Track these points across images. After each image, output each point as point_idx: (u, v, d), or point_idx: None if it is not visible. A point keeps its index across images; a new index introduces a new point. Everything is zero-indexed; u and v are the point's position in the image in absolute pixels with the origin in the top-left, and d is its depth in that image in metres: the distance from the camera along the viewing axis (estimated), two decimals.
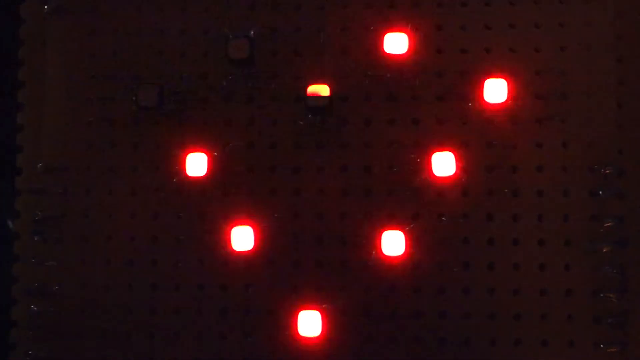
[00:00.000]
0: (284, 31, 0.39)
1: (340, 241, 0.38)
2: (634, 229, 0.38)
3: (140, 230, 0.39)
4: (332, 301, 0.38)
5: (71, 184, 0.40)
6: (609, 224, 0.38)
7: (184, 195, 0.39)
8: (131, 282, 0.39)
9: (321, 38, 0.39)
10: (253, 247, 0.38)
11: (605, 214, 0.38)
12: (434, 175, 0.38)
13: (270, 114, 0.39)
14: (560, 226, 0.38)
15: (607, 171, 0.38)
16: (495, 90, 0.38)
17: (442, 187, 0.38)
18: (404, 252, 0.37)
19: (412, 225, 0.38)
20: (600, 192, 0.38)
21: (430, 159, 0.38)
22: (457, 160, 0.38)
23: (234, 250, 0.38)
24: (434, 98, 0.39)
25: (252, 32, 0.39)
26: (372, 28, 0.39)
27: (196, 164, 0.38)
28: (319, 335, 0.37)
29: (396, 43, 0.38)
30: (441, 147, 0.38)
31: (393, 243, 0.37)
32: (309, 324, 0.37)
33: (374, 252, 0.38)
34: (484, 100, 0.38)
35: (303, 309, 0.37)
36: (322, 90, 0.37)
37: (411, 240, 0.38)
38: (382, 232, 0.37)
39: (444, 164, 0.37)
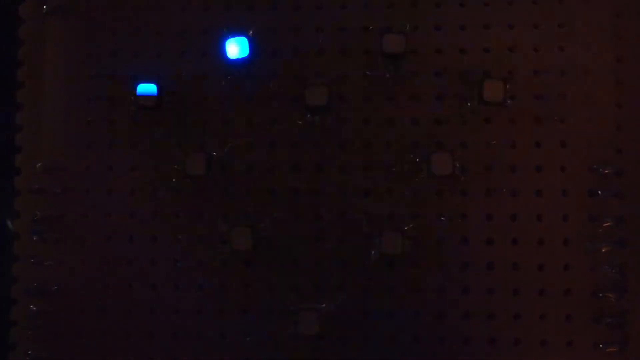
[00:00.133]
0: (283, 31, 0.39)
1: (339, 241, 0.38)
2: (633, 229, 0.38)
3: (139, 230, 0.39)
4: (332, 301, 0.38)
5: (70, 184, 0.40)
6: (608, 224, 0.38)
7: (183, 195, 0.39)
8: (131, 282, 0.39)
9: (320, 38, 0.39)
10: (252, 247, 0.38)
11: (605, 213, 0.38)
12: (433, 175, 0.38)
13: (269, 113, 0.39)
14: (560, 226, 0.38)
15: (607, 171, 0.38)
16: (494, 90, 0.38)
17: (441, 187, 0.38)
18: (403, 252, 0.37)
19: (411, 225, 0.38)
20: (600, 192, 0.38)
21: (429, 158, 0.38)
22: (456, 160, 0.38)
23: (233, 249, 0.38)
24: (432, 98, 0.39)
25: (251, 32, 0.39)
26: (371, 28, 0.39)
27: (195, 164, 0.38)
28: (319, 335, 0.37)
29: (394, 43, 0.38)
30: (440, 147, 0.38)
31: (392, 243, 0.37)
32: (309, 323, 0.37)
33: (372, 253, 0.38)
34: (483, 100, 0.38)
35: (303, 309, 0.37)
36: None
37: (410, 240, 0.38)
38: (381, 232, 0.37)
39: (442, 163, 0.37)
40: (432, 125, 0.38)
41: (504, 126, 0.38)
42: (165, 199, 0.39)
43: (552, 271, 0.38)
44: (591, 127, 0.38)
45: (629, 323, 0.37)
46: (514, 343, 0.38)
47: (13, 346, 0.39)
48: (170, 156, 0.39)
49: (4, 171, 0.41)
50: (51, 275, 0.39)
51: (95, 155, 0.40)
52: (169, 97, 0.39)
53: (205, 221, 0.39)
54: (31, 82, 0.40)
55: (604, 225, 0.38)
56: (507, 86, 0.38)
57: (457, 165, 0.38)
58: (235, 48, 0.38)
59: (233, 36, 0.39)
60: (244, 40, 0.38)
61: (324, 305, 0.38)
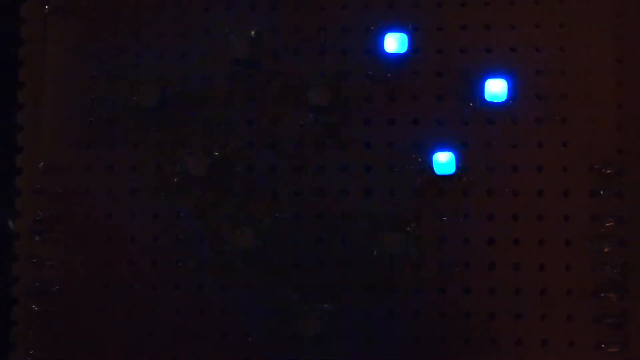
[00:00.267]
0: (284, 31, 0.39)
1: (341, 241, 0.38)
2: (634, 229, 0.38)
3: (140, 230, 0.39)
4: (333, 301, 0.38)
5: (71, 184, 0.40)
6: (609, 224, 0.38)
7: (184, 195, 0.39)
8: (131, 282, 0.39)
9: (321, 38, 0.39)
10: (253, 247, 0.38)
11: (606, 213, 0.38)
12: (434, 175, 0.38)
13: (270, 114, 0.39)
14: (561, 226, 0.38)
15: (608, 171, 0.38)
16: (496, 90, 0.38)
17: (442, 187, 0.38)
18: (404, 252, 0.37)
19: (412, 225, 0.38)
20: (601, 192, 0.38)
21: (430, 158, 0.38)
22: (457, 160, 0.38)
23: (234, 250, 0.38)
24: (434, 98, 0.39)
25: (253, 32, 0.39)
26: (372, 28, 0.39)
27: (196, 164, 0.38)
28: (320, 335, 0.37)
29: (396, 43, 0.38)
30: (441, 147, 0.38)
31: (393, 242, 0.37)
32: (310, 323, 0.37)
33: (374, 252, 0.38)
34: (484, 100, 0.38)
35: (304, 309, 0.37)
36: None
37: (411, 241, 0.38)
38: (382, 232, 0.37)
39: (444, 163, 0.38)
40: (433, 125, 0.38)
41: (505, 126, 0.38)
42: (166, 199, 0.39)
43: (553, 271, 0.38)
44: (592, 127, 0.38)
45: (630, 323, 0.37)
46: (515, 343, 0.38)
47: (13, 346, 0.39)
48: (171, 156, 0.39)
49: (5, 171, 0.41)
50: (52, 275, 0.39)
51: (96, 155, 0.40)
52: (170, 97, 0.39)
53: (206, 221, 0.39)
54: (32, 82, 0.40)
55: (605, 225, 0.38)
56: (509, 86, 0.38)
57: (459, 165, 0.38)
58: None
59: (234, 36, 0.39)
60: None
61: (325, 305, 0.38)
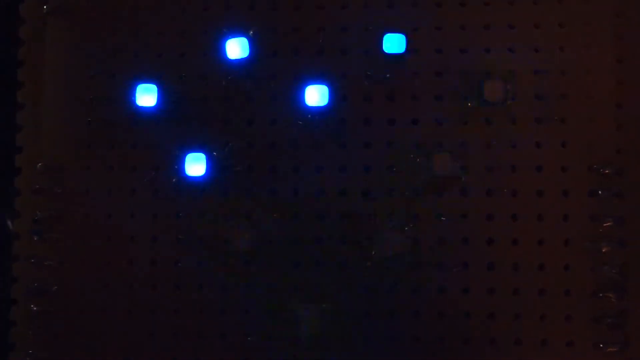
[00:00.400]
0: (283, 31, 0.39)
1: (340, 241, 0.38)
2: (633, 228, 0.38)
3: (139, 230, 0.39)
4: (332, 301, 0.38)
5: (71, 184, 0.40)
6: (608, 224, 0.38)
7: (184, 195, 0.39)
8: (130, 283, 0.39)
9: (320, 38, 0.39)
10: (252, 248, 0.38)
11: (605, 213, 0.38)
12: (433, 175, 0.38)
13: (269, 113, 0.39)
14: (560, 226, 0.38)
15: (607, 171, 0.38)
16: (495, 90, 0.38)
17: (441, 187, 0.38)
18: (404, 252, 0.37)
19: (411, 225, 0.38)
20: (600, 192, 0.38)
21: (429, 159, 0.38)
22: (456, 160, 0.38)
23: (233, 250, 0.38)
24: (433, 98, 0.39)
25: (252, 32, 0.39)
26: (371, 28, 0.39)
27: (195, 164, 0.38)
28: (319, 335, 0.37)
29: (395, 43, 0.38)
30: (440, 147, 0.38)
31: (392, 242, 0.37)
32: (309, 323, 0.37)
33: (373, 253, 0.38)
34: (483, 100, 0.38)
35: (303, 309, 0.37)
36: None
37: (411, 241, 0.38)
38: (381, 232, 0.37)
39: (443, 164, 0.37)
40: (433, 125, 0.38)
41: (504, 126, 0.38)
42: (166, 199, 0.39)
43: (552, 271, 0.38)
44: (591, 127, 0.38)
45: (629, 323, 0.37)
46: (515, 343, 0.38)
47: (13, 346, 0.39)
48: (170, 156, 0.39)
49: (5, 171, 0.41)
50: (51, 276, 0.39)
51: (96, 155, 0.40)
52: (169, 97, 0.39)
53: (206, 221, 0.39)
54: (32, 82, 0.40)
55: (605, 225, 0.38)
56: (508, 86, 0.38)
57: (458, 165, 0.38)
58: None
59: (233, 36, 0.39)
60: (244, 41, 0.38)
61: (324, 306, 0.38)
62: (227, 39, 0.39)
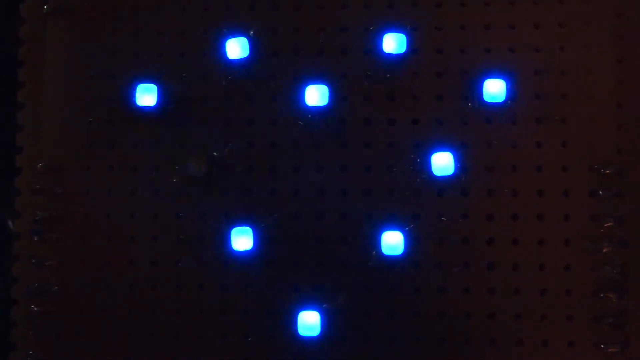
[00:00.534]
0: (283, 31, 0.39)
1: (340, 241, 0.38)
2: (634, 229, 0.38)
3: (139, 231, 0.39)
4: (332, 301, 0.38)
5: (71, 184, 0.40)
6: (609, 224, 0.38)
7: (184, 195, 0.39)
8: (131, 283, 0.39)
9: (320, 38, 0.39)
10: (253, 248, 0.38)
11: (606, 213, 0.38)
12: (433, 175, 0.38)
13: (269, 113, 0.39)
14: (560, 226, 0.38)
15: (607, 171, 0.38)
16: (495, 90, 0.38)
17: (441, 187, 0.38)
18: (404, 252, 0.37)
19: (411, 226, 0.38)
20: (601, 192, 0.38)
21: (429, 159, 0.38)
22: (456, 161, 0.38)
23: (233, 250, 0.38)
24: (433, 98, 0.38)
25: (252, 32, 0.39)
26: (371, 28, 0.39)
27: (196, 164, 0.38)
28: (319, 335, 0.37)
29: (395, 43, 0.38)
30: (441, 147, 0.38)
31: (393, 243, 0.37)
32: (309, 324, 0.37)
33: (373, 252, 0.38)
34: (483, 100, 0.38)
35: (303, 309, 0.37)
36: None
37: (411, 241, 0.38)
38: (381, 233, 0.37)
39: (443, 164, 0.37)
40: (433, 126, 0.38)
41: (504, 126, 0.38)
42: (166, 199, 0.39)
43: (553, 271, 0.38)
44: (592, 127, 0.38)
45: (629, 323, 0.37)
46: (515, 343, 0.38)
47: (13, 346, 0.39)
48: (170, 156, 0.39)
49: (5, 171, 0.41)
50: (51, 276, 0.39)
51: (96, 155, 0.40)
52: (169, 97, 0.39)
53: (206, 221, 0.39)
54: (32, 82, 0.40)
55: (605, 225, 0.38)
56: (508, 86, 0.38)
57: (458, 165, 0.38)
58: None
59: (234, 36, 0.39)
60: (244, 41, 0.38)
61: (324, 306, 0.38)
62: (227, 39, 0.39)
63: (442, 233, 0.38)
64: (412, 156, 0.38)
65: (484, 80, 0.38)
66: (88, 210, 0.39)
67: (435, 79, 0.39)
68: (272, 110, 0.39)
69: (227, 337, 0.39)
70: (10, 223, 0.42)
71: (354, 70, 0.39)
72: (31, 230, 0.39)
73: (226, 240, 0.38)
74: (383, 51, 0.38)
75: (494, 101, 0.38)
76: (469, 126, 0.38)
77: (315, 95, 0.38)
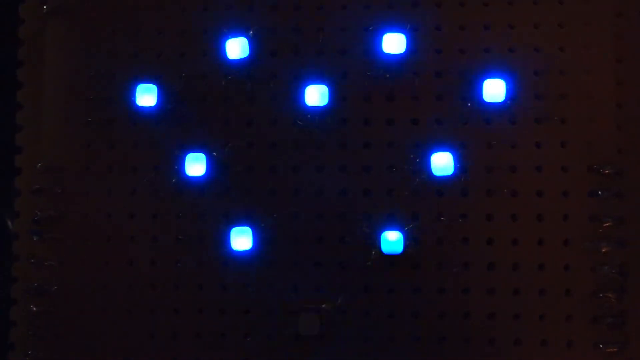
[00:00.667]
0: (283, 31, 0.39)
1: (340, 241, 0.38)
2: (633, 229, 0.38)
3: (139, 231, 0.39)
4: (331, 301, 0.38)
5: (70, 184, 0.40)
6: (608, 224, 0.38)
7: (183, 196, 0.39)
8: (130, 283, 0.39)
9: (320, 38, 0.39)
10: (252, 248, 0.38)
11: (605, 214, 0.38)
12: (433, 175, 0.38)
13: (269, 113, 0.39)
14: (560, 226, 0.38)
15: (607, 171, 0.38)
16: (495, 91, 0.38)
17: (441, 187, 0.38)
18: (403, 252, 0.37)
19: (411, 226, 0.38)
20: (600, 192, 0.38)
21: (429, 159, 0.38)
22: (456, 161, 0.38)
23: (233, 250, 0.38)
24: (433, 98, 0.39)
25: (251, 32, 0.39)
26: (371, 28, 0.39)
27: (195, 164, 0.38)
28: (319, 335, 0.37)
29: (395, 43, 0.38)
30: (440, 147, 0.38)
31: (392, 243, 0.37)
32: (309, 324, 0.37)
33: (373, 252, 0.38)
34: (483, 100, 0.38)
35: (302, 309, 0.37)
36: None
37: (410, 241, 0.38)
38: (381, 232, 0.37)
39: (443, 164, 0.38)
40: (433, 126, 0.38)
41: (504, 126, 0.38)
42: (165, 199, 0.39)
43: (552, 271, 0.38)
44: (591, 127, 0.38)
45: (628, 323, 0.37)
46: (514, 343, 0.38)
47: (12, 346, 0.39)
48: (170, 156, 0.39)
49: (4, 171, 0.41)
50: (51, 276, 0.39)
51: (95, 156, 0.40)
52: (169, 97, 0.39)
53: (205, 221, 0.39)
54: (31, 82, 0.40)
55: (604, 225, 0.38)
56: (508, 86, 0.38)
57: (458, 165, 0.38)
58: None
59: (233, 36, 0.39)
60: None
61: (324, 306, 0.38)
62: (227, 39, 0.39)
63: (441, 233, 0.38)
64: (412, 156, 0.38)
65: (484, 81, 0.38)
66: (87, 210, 0.39)
67: (435, 79, 0.39)
68: (271, 110, 0.39)
69: (226, 337, 0.39)
70: (9, 223, 0.42)
71: (354, 70, 0.39)
72: (31, 230, 0.39)
73: (226, 240, 0.38)
74: (383, 51, 0.38)
75: (493, 101, 0.38)
76: (468, 126, 0.38)
77: (315, 95, 0.38)
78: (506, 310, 0.38)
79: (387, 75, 0.39)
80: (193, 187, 0.39)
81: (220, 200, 0.39)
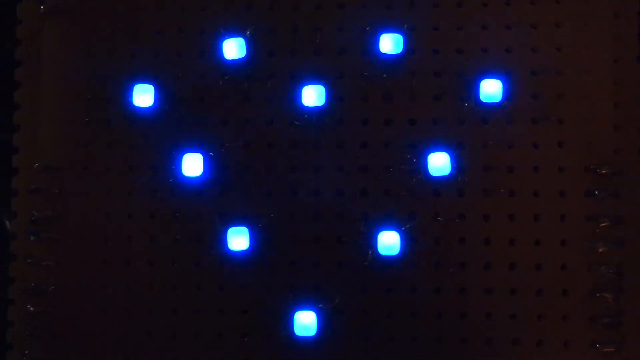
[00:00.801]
0: (281, 31, 0.39)
1: (337, 241, 0.38)
2: (630, 229, 0.38)
3: (136, 231, 0.39)
4: (329, 301, 0.38)
5: (68, 184, 0.40)
6: (605, 224, 0.38)
7: (181, 196, 0.39)
8: (128, 283, 0.39)
9: (317, 38, 0.39)
10: (249, 248, 0.38)
11: (602, 214, 0.38)
12: (430, 175, 0.38)
13: (266, 114, 0.39)
14: (557, 226, 0.38)
15: (604, 171, 0.38)
16: (492, 91, 0.38)
17: (438, 187, 0.38)
18: (400, 253, 0.37)
19: (408, 226, 0.38)
20: (597, 192, 0.38)
21: (426, 159, 0.38)
22: (453, 161, 0.38)
23: (230, 250, 0.38)
24: (430, 98, 0.39)
25: (249, 32, 0.39)
26: (368, 28, 0.39)
27: (192, 164, 0.38)
28: (316, 335, 0.37)
29: (392, 43, 0.38)
30: (437, 147, 0.38)
31: (389, 243, 0.37)
32: (306, 324, 0.37)
33: (370, 252, 0.38)
34: (480, 100, 0.38)
35: (300, 309, 0.37)
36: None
37: (407, 241, 0.38)
38: (378, 233, 0.37)
39: (440, 164, 0.38)
40: (430, 126, 0.38)
41: (501, 126, 0.38)
42: (163, 199, 0.39)
43: (549, 271, 0.38)
44: (588, 127, 0.38)
45: (625, 323, 0.38)
46: (511, 343, 0.38)
47: (10, 346, 0.39)
48: (167, 156, 0.39)
49: (2, 171, 0.41)
50: (48, 276, 0.39)
51: (93, 155, 0.40)
52: (166, 97, 0.39)
53: (203, 221, 0.39)
54: (29, 82, 0.40)
55: (601, 225, 0.38)
56: (505, 86, 0.38)
57: (455, 165, 0.38)
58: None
59: (231, 36, 0.39)
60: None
61: (321, 306, 0.38)
62: (224, 39, 0.39)
63: (438, 233, 0.38)
64: (409, 156, 0.38)
65: (481, 81, 0.38)
66: (85, 210, 0.39)
67: (432, 79, 0.39)
68: (268, 110, 0.39)
69: (224, 337, 0.39)
70: (7, 223, 0.42)
71: (351, 71, 0.39)
72: (28, 230, 0.39)
73: (223, 240, 0.38)
74: (380, 51, 0.38)
75: (490, 101, 0.38)
76: (465, 126, 0.38)
77: (312, 95, 0.38)
78: (503, 310, 0.38)
79: (384, 76, 0.39)
80: (190, 187, 0.39)
81: (218, 200, 0.39)
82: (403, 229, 0.38)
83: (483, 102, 0.38)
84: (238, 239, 0.38)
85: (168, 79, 0.39)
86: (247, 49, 0.39)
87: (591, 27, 0.39)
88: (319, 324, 0.37)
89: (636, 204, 0.38)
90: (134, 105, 0.39)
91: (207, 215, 0.39)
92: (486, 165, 0.38)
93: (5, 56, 0.41)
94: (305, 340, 0.37)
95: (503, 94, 0.38)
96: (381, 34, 0.38)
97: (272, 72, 0.39)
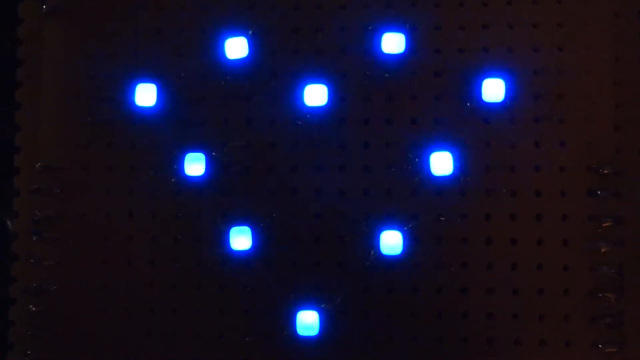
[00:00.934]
0: (282, 31, 0.39)
1: (339, 241, 0.38)
2: (632, 229, 0.38)
3: (138, 230, 0.39)
4: (331, 301, 0.38)
5: (69, 184, 0.40)
6: (607, 224, 0.38)
7: (182, 195, 0.39)
8: (129, 282, 0.39)
9: (319, 38, 0.39)
10: (251, 247, 0.38)
11: (604, 214, 0.38)
12: (432, 175, 0.38)
13: (268, 113, 0.39)
14: (558, 226, 0.38)
15: (606, 171, 0.38)
16: (493, 90, 0.38)
17: (440, 187, 0.38)
18: (402, 252, 0.37)
19: (410, 225, 0.38)
20: (599, 192, 0.38)
21: (428, 158, 0.38)
22: (455, 160, 0.38)
23: (232, 250, 0.38)
24: (432, 98, 0.39)
25: (251, 32, 0.39)
26: (370, 28, 0.39)
27: (194, 164, 0.38)
28: (317, 335, 0.37)
29: (394, 43, 0.38)
30: (439, 147, 0.38)
31: (391, 243, 0.37)
32: (307, 324, 0.37)
33: (372, 252, 0.38)
34: (482, 100, 0.38)
35: (301, 309, 0.37)
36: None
37: (409, 240, 0.38)
38: (380, 232, 0.37)
39: (442, 163, 0.38)
40: (432, 125, 0.38)
41: (503, 126, 0.38)
42: (165, 199, 0.39)
43: (551, 271, 0.38)
44: (590, 127, 0.38)
45: (627, 323, 0.37)
46: (513, 343, 0.38)
47: (11, 346, 0.39)
48: (169, 156, 0.39)
49: (4, 171, 0.41)
50: (50, 275, 0.39)
51: (95, 155, 0.40)
52: (168, 96, 0.39)
53: (204, 221, 0.39)
54: (30, 81, 0.40)
55: (603, 225, 0.38)
56: (506, 86, 0.38)
57: (457, 165, 0.38)
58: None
59: (233, 36, 0.39)
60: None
61: (323, 306, 0.38)
62: (226, 39, 0.39)
63: (440, 233, 0.38)
64: (411, 156, 0.38)
65: (483, 80, 0.38)
66: (86, 210, 0.39)
67: (434, 79, 0.39)
68: (270, 110, 0.39)
69: (225, 337, 0.39)
70: (9, 223, 0.42)
71: (353, 70, 0.39)
72: (30, 230, 0.39)
73: (225, 239, 0.38)
74: (382, 51, 0.38)
75: (492, 101, 0.38)
76: (467, 126, 0.38)
77: (314, 95, 0.38)
78: (505, 310, 0.38)
79: (387, 75, 0.39)
80: (192, 186, 0.39)
81: (220, 200, 0.39)
82: (405, 228, 0.38)
83: (485, 102, 0.38)
84: (240, 239, 0.38)
85: (170, 78, 0.39)
86: (249, 48, 0.39)
87: (592, 27, 0.39)
88: (321, 323, 0.37)
89: (637, 204, 0.38)
90: (136, 105, 0.39)
91: (209, 215, 0.39)
92: (488, 165, 0.38)
93: (7, 56, 0.41)
94: (307, 340, 0.37)
95: (505, 94, 0.38)
96: (383, 33, 0.38)
97: (274, 72, 0.39)
